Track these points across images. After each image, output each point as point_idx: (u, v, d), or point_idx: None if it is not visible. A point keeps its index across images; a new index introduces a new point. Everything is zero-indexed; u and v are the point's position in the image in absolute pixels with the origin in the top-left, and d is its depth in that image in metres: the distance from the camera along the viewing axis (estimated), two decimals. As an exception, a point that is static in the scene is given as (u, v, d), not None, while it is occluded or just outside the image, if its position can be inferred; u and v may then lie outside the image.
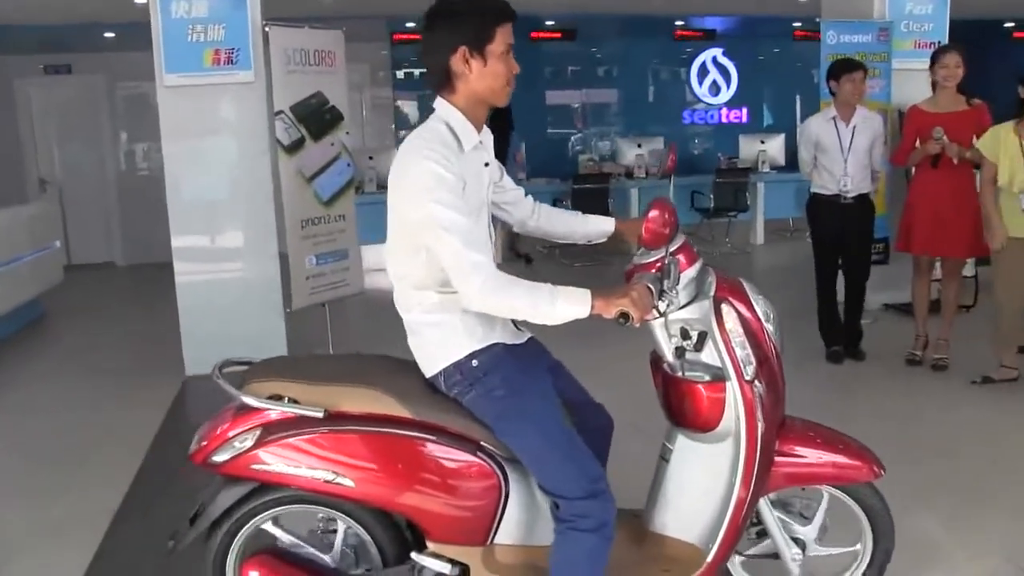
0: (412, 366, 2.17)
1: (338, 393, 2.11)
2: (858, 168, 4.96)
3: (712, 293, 2.17)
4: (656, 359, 2.29)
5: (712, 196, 8.96)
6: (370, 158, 8.45)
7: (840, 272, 5.17)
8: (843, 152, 4.93)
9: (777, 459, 2.25)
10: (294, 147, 5.22)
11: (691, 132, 12.20)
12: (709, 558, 2.20)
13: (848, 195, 4.96)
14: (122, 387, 5.19)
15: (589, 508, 1.99)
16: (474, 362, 2.06)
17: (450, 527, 2.12)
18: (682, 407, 2.21)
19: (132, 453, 4.04)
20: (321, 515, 2.26)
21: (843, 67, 4.94)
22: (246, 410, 2.12)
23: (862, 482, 2.33)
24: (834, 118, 4.97)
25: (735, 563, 2.45)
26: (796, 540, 2.36)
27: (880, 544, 2.41)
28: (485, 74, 2.00)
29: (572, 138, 12.06)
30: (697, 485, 2.23)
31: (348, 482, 2.07)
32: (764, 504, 2.31)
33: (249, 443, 2.08)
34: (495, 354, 2.08)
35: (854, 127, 4.94)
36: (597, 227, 2.42)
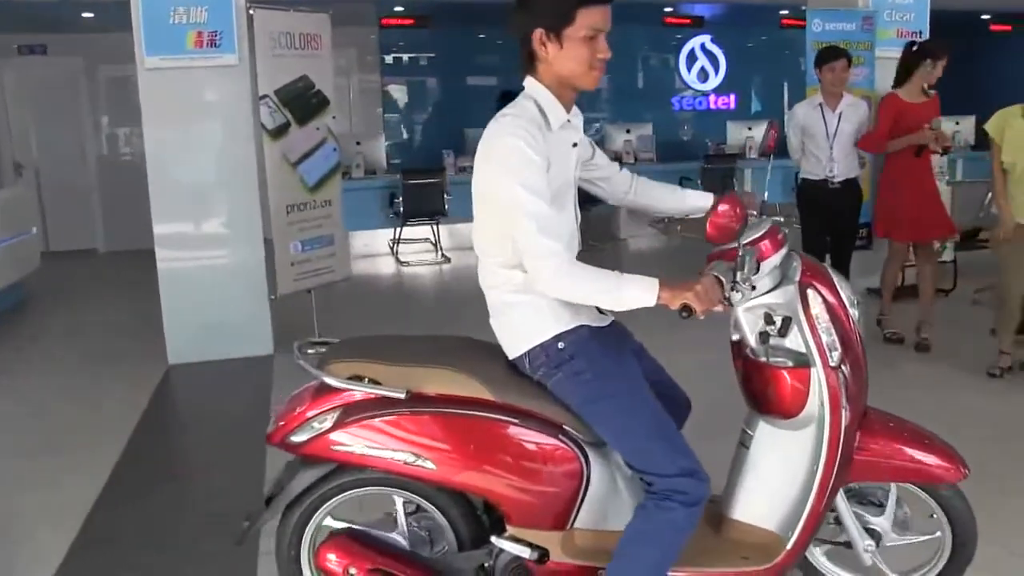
0: (492, 347, 2.15)
1: (419, 374, 2.09)
2: (844, 154, 5.02)
3: (797, 278, 2.14)
4: (737, 344, 2.26)
5: (700, 182, 8.95)
6: (358, 143, 8.40)
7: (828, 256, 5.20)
8: (829, 138, 4.98)
9: (858, 450, 2.20)
10: (279, 132, 5.17)
11: (679, 118, 12.16)
12: (788, 546, 2.17)
13: (835, 180, 5.02)
14: (103, 376, 5.13)
15: (685, 484, 1.98)
16: (560, 344, 2.05)
17: (531, 511, 2.11)
18: (765, 393, 2.18)
19: (113, 442, 4.00)
20: (396, 497, 2.24)
21: (826, 56, 4.97)
22: (325, 390, 2.11)
23: (945, 482, 2.26)
24: (820, 105, 5.01)
25: (813, 552, 2.41)
26: (871, 531, 2.32)
27: (959, 547, 2.32)
28: (562, 57, 1.97)
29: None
30: (777, 472, 2.20)
31: (430, 464, 2.05)
32: (839, 493, 2.26)
33: (328, 424, 2.07)
34: (581, 336, 2.07)
35: (840, 114, 4.99)
36: (695, 202, 2.40)
